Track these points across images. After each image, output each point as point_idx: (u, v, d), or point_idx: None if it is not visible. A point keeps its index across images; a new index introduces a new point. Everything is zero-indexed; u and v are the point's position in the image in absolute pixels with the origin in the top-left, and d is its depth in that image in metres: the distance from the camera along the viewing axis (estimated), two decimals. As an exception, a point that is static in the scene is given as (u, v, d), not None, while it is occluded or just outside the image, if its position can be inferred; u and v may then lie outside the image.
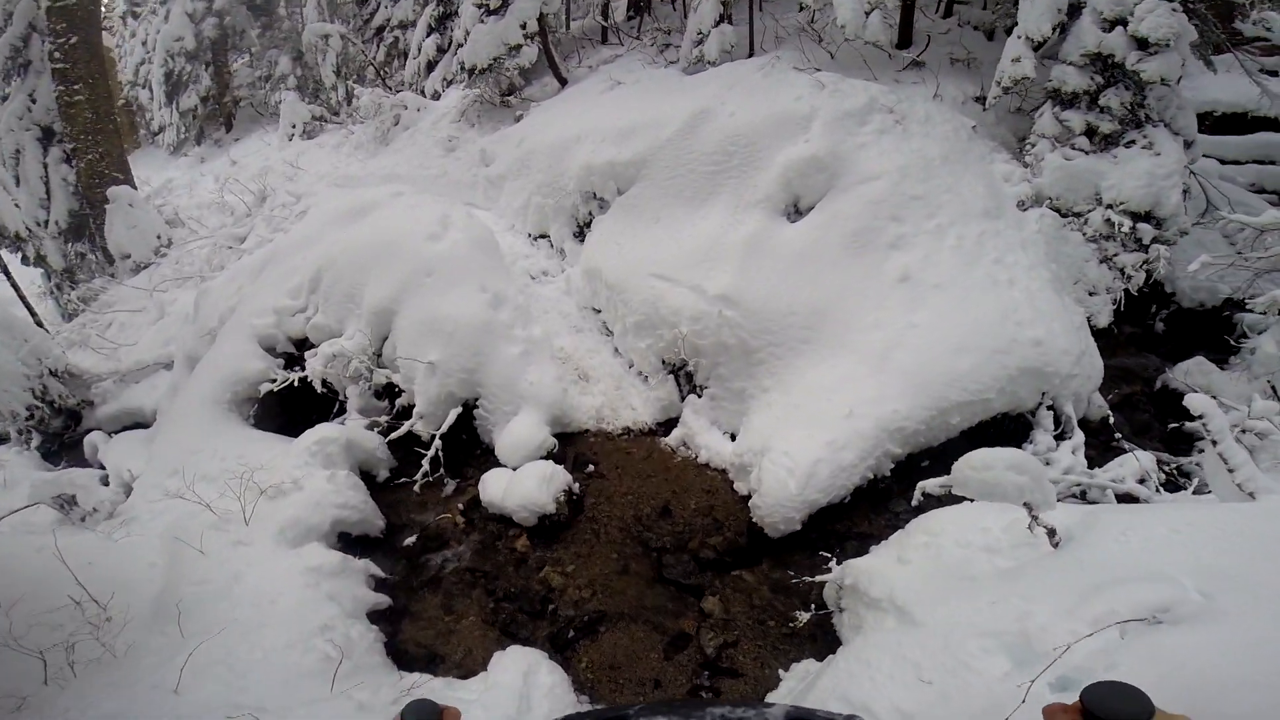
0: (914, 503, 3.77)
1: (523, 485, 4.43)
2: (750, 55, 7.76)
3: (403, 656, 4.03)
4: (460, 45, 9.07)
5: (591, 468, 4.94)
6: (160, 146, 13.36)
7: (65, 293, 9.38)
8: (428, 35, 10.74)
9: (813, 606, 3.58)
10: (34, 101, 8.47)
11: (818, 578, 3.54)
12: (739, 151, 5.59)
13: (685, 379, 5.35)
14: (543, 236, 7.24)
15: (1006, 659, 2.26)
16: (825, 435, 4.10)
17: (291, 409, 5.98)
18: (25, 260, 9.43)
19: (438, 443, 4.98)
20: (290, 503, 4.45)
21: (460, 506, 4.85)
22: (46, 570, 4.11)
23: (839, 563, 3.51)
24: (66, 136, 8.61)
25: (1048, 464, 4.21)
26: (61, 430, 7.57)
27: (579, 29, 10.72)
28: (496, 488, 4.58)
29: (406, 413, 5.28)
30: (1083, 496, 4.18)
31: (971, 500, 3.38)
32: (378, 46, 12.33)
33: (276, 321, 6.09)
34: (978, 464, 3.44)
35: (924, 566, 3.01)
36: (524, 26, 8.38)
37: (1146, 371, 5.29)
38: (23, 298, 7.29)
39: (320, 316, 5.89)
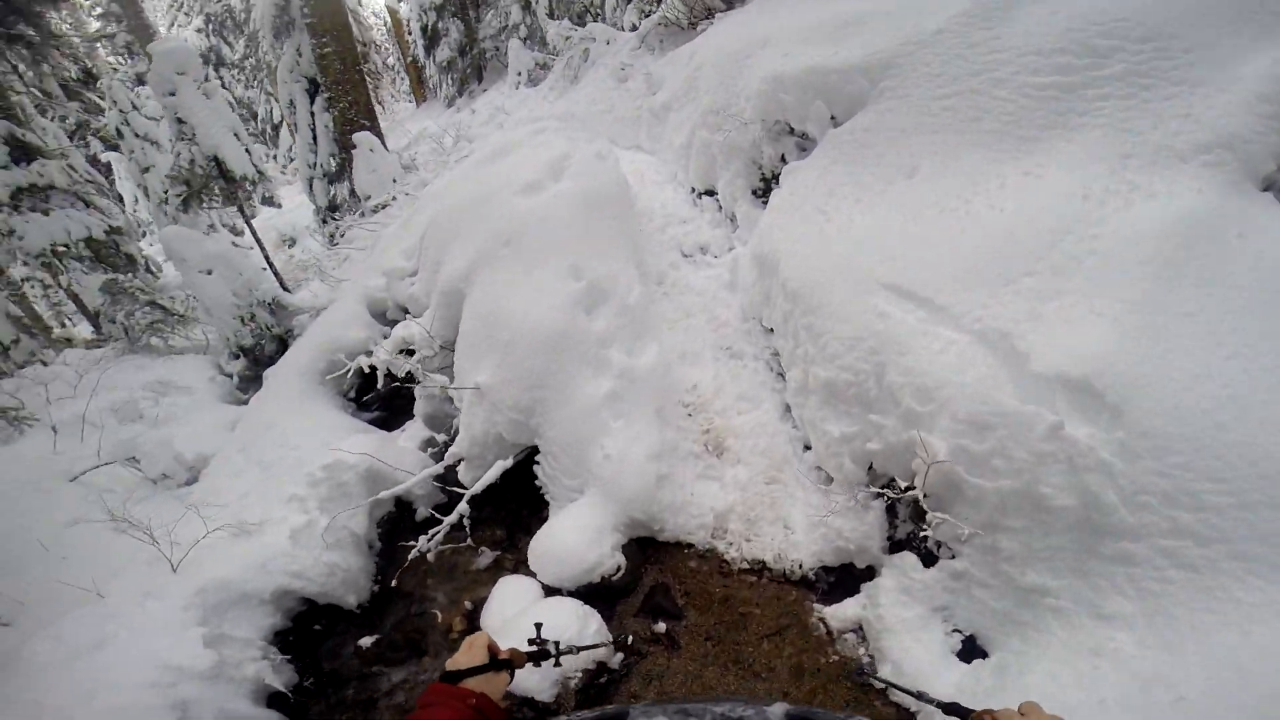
0: None
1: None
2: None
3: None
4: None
5: (664, 625, 2.65)
6: (440, 100, 14.28)
7: (327, 227, 10.39)
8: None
9: None
10: (300, 55, 9.20)
11: None
12: (1129, 48, 2.54)
13: (909, 510, 2.62)
14: (710, 193, 4.69)
15: None
16: None
17: (403, 393, 4.88)
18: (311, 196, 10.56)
19: (464, 507, 3.23)
20: (235, 554, 3.12)
21: (469, 605, 3.05)
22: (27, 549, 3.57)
23: None
24: (324, 86, 9.20)
25: None
26: (274, 356, 8.04)
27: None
28: (496, 620, 2.64)
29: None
30: None
31: None
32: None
33: (386, 284, 5.06)
34: None
35: None
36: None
37: None
38: (257, 238, 7.81)
39: (418, 285, 4.63)
